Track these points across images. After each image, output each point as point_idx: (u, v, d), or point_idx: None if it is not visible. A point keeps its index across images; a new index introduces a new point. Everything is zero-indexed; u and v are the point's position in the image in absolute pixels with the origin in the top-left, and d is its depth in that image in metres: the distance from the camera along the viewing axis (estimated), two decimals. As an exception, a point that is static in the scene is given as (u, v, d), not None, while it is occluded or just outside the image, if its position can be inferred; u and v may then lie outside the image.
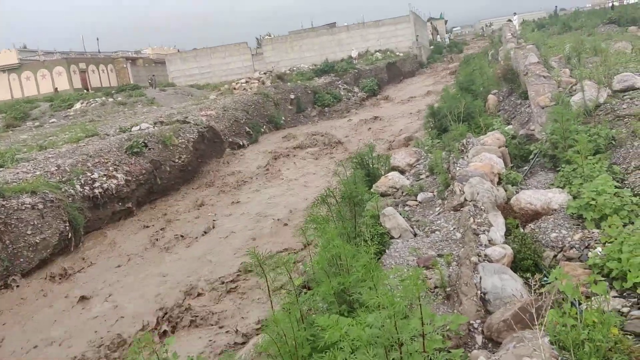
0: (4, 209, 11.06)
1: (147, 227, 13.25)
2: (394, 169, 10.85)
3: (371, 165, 10.42)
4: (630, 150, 7.36)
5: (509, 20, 44.38)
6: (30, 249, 11.14)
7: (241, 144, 21.51)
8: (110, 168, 14.62)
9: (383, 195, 9.17)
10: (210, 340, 7.05)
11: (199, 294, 8.77)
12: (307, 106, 29.24)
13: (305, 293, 4.91)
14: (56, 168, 13.62)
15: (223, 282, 9.01)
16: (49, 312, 9.26)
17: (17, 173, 13.21)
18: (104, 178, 14.10)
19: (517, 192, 7.10)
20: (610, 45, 16.29)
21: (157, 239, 12.18)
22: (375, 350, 3.15)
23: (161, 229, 12.86)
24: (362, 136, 20.89)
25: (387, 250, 6.12)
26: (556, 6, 67.97)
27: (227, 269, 9.65)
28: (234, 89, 33.65)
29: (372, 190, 9.35)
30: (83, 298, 9.48)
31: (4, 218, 10.95)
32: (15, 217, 11.16)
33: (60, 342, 8.03)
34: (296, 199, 13.53)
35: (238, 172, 17.59)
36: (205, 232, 12.12)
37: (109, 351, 7.42)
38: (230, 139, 21.15)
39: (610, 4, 55.41)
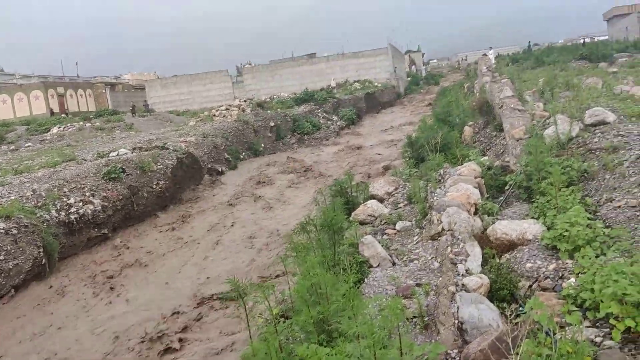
0: (-24, 234, 10.83)
1: (126, 249, 13.08)
2: (372, 197, 10.94)
3: (350, 193, 10.50)
4: (602, 183, 7.57)
5: (485, 55, 45.47)
6: (3, 275, 10.88)
7: (220, 170, 21.48)
8: (87, 193, 14.45)
9: (362, 223, 9.23)
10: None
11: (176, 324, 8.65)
12: (287, 134, 29.42)
13: (284, 322, 4.91)
14: (32, 193, 13.43)
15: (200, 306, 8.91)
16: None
17: (-9, 197, 12.98)
18: (80, 203, 13.92)
19: (493, 223, 7.22)
20: (582, 81, 16.82)
21: (129, 264, 12.02)
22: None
23: (136, 258, 12.70)
24: (340, 164, 21.05)
25: (365, 279, 6.16)
26: (529, 41, 70.09)
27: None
28: (214, 115, 33.70)
29: (351, 218, 9.42)
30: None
31: (-24, 243, 10.72)
32: (-13, 242, 10.93)
33: None
34: (274, 226, 13.51)
35: (214, 198, 17.54)
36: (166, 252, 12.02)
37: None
38: (209, 165, 21.12)
39: (582, 41, 57.42)
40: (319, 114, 33.39)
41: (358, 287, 5.77)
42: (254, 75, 51.18)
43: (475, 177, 9.04)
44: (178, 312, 9.04)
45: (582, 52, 32.97)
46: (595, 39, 69.00)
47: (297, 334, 4.84)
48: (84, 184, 14.83)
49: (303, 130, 29.93)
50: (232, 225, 14.18)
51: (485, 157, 11.48)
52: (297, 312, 4.79)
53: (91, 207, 14.13)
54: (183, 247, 12.99)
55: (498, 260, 6.10)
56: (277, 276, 9.01)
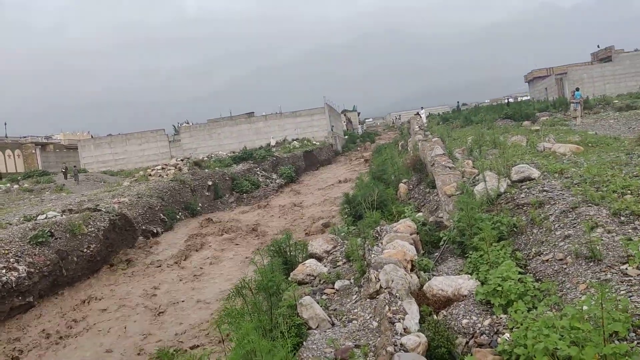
0: None
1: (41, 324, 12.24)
2: (311, 256, 10.87)
3: (288, 253, 10.39)
4: (530, 237, 7.85)
5: (417, 114, 47.44)
6: None
7: (155, 231, 20.85)
8: (11, 259, 13.63)
9: (301, 283, 9.10)
10: None
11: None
12: (225, 192, 29.14)
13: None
14: (-53, 261, 12.52)
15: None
16: None
17: None
18: (3, 270, 13.08)
19: (429, 279, 7.29)
20: (508, 139, 17.72)
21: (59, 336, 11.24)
22: None
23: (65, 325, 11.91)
24: (279, 222, 20.93)
25: (304, 343, 6.00)
26: (458, 101, 74.04)
27: None
28: (150, 175, 33.07)
29: (289, 278, 9.28)
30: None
31: None
32: None
33: None
34: (209, 289, 13.09)
35: (146, 261, 16.91)
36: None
37: None
38: (143, 227, 20.48)
39: (506, 101, 61.08)
40: (258, 172, 33.42)
41: (296, 352, 5.61)
42: (192, 134, 50.90)
43: (411, 234, 9.18)
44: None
45: (507, 112, 34.88)
46: (519, 99, 73.74)
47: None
48: (8, 249, 14.02)
49: (242, 189, 29.76)
50: (155, 295, 13.38)
51: (420, 214, 11.73)
52: (232, 381, 4.58)
53: (15, 273, 13.30)
54: (107, 319, 12.23)
55: (435, 317, 6.12)
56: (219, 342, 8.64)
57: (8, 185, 35.94)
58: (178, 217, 23.84)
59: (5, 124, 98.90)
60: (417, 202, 13.75)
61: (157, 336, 10.38)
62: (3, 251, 13.86)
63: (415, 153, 18.20)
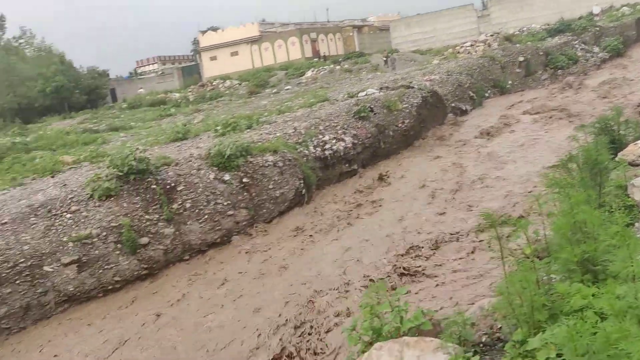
0: (251, 165, 12.55)
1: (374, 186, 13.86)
2: (645, 136, 9.59)
3: (616, 132, 9.35)
4: None
5: None
6: (271, 201, 12.52)
7: (464, 109, 21.03)
8: (339, 131, 15.52)
9: (631, 164, 8.20)
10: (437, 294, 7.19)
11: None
12: (538, 69, 27.17)
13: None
14: (293, 130, 14.93)
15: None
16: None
17: (261, 134, 14.81)
18: (334, 140, 15.04)
19: None
20: None
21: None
22: (627, 322, 2.92)
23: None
24: (600, 101, 18.79)
25: (636, 224, 5.52)
26: None
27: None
28: (458, 52, 32.85)
29: (616, 159, 8.43)
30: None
31: (251, 173, 12.44)
32: (260, 172, 12.59)
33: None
34: (518, 169, 12.83)
35: (457, 138, 17.34)
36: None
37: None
38: (452, 104, 20.82)
39: None
40: (577, 46, 29.95)
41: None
42: (502, 7, 47.99)
43: None
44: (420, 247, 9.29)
45: None
46: None
47: (555, 274, 4.62)
48: (336, 123, 15.93)
49: (557, 65, 27.28)
50: (460, 173, 13.65)
51: None
52: (554, 251, 4.55)
53: (342, 144, 15.18)
54: (415, 190, 13.08)
55: None
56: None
57: (332, 66, 40.35)
58: (487, 95, 23.46)
59: (327, 9, 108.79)
60: None
61: (465, 210, 10.86)
62: (333, 124, 15.81)
63: None
